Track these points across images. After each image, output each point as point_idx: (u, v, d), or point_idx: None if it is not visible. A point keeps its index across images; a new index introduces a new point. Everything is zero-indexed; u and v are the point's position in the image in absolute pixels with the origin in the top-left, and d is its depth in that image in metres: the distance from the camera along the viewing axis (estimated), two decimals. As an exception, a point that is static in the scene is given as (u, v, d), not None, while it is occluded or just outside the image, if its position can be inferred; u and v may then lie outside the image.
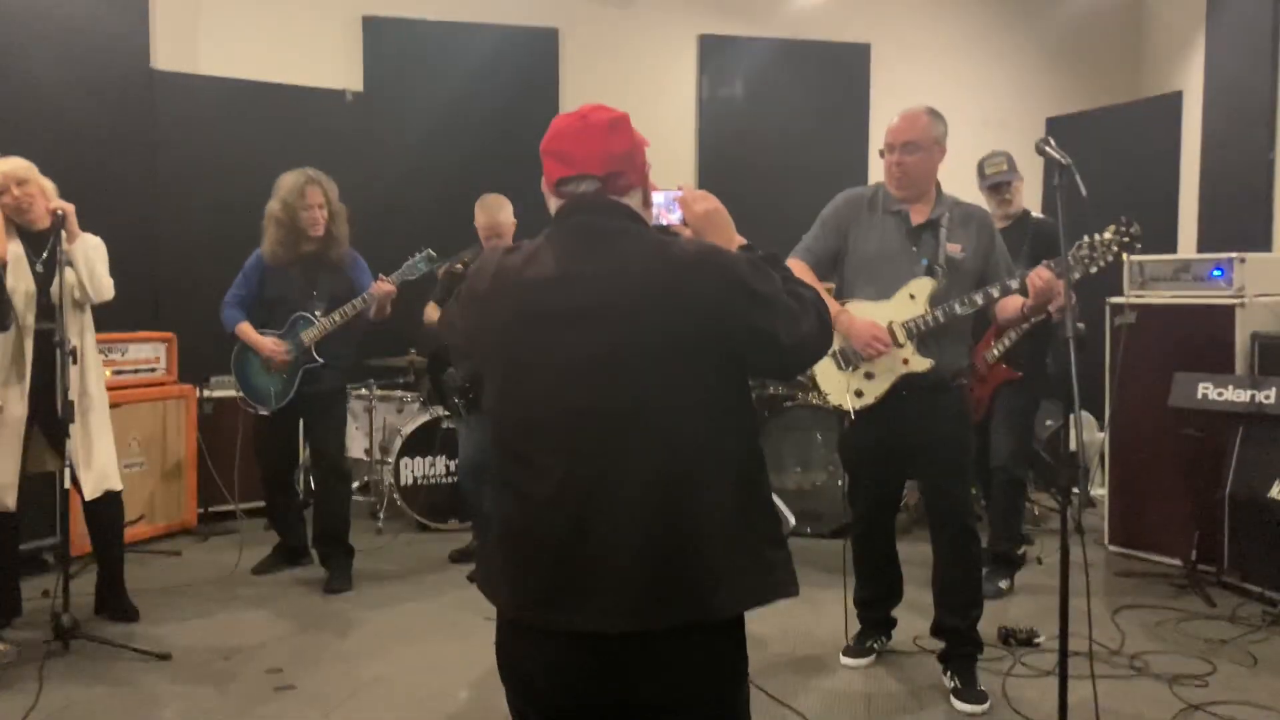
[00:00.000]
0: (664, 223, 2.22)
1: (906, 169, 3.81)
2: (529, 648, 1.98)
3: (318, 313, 5.09)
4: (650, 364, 1.90)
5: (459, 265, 5.19)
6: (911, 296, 3.78)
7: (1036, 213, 5.26)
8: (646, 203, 2.11)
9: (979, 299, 3.75)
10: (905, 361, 3.77)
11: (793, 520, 2.17)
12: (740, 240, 2.16)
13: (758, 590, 1.97)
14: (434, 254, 5.13)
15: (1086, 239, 3.69)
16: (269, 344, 5.12)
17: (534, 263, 2.00)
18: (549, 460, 1.93)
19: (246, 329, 5.17)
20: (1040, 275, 3.63)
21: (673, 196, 2.24)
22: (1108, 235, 3.66)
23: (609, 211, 2.02)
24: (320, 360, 5.11)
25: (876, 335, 3.75)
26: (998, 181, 5.15)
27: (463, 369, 4.98)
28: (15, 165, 4.32)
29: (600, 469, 1.90)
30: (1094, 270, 3.73)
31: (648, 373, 1.90)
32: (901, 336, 3.77)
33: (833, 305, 3.88)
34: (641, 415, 1.90)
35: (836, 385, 3.91)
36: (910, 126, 3.81)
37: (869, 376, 3.83)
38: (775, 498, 2.11)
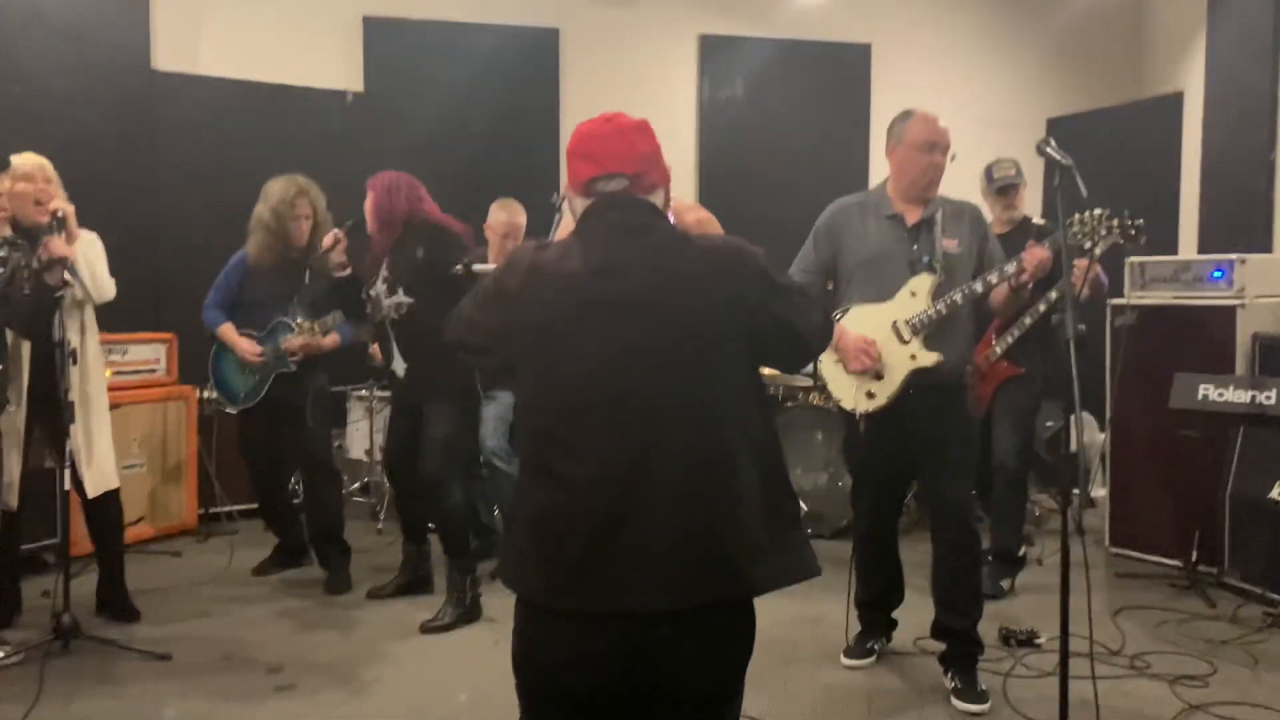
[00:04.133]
0: None
1: (942, 170, 3.88)
2: (556, 634, 2.00)
3: (299, 319, 5.09)
4: (687, 351, 1.98)
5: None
6: (913, 294, 3.80)
7: (1037, 218, 5.27)
8: (667, 203, 2.20)
9: (979, 287, 3.79)
10: (913, 357, 3.78)
11: (804, 506, 2.24)
12: None
13: (788, 569, 2.04)
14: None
15: (1077, 215, 3.73)
16: (245, 345, 5.15)
17: (570, 257, 2.05)
18: (590, 444, 1.97)
19: (229, 330, 5.20)
20: (1033, 253, 3.70)
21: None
22: (1099, 211, 3.68)
23: (638, 208, 2.11)
24: (293, 367, 5.12)
25: (863, 348, 3.77)
26: (1005, 185, 5.14)
27: (483, 366, 4.92)
28: (16, 167, 4.33)
29: (641, 452, 1.95)
30: (1088, 245, 3.77)
31: (685, 361, 1.98)
32: (907, 334, 3.78)
33: None
34: (679, 401, 1.96)
35: (847, 388, 3.92)
36: (946, 130, 3.86)
37: (878, 377, 3.84)
38: None
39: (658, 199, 2.15)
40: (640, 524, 1.93)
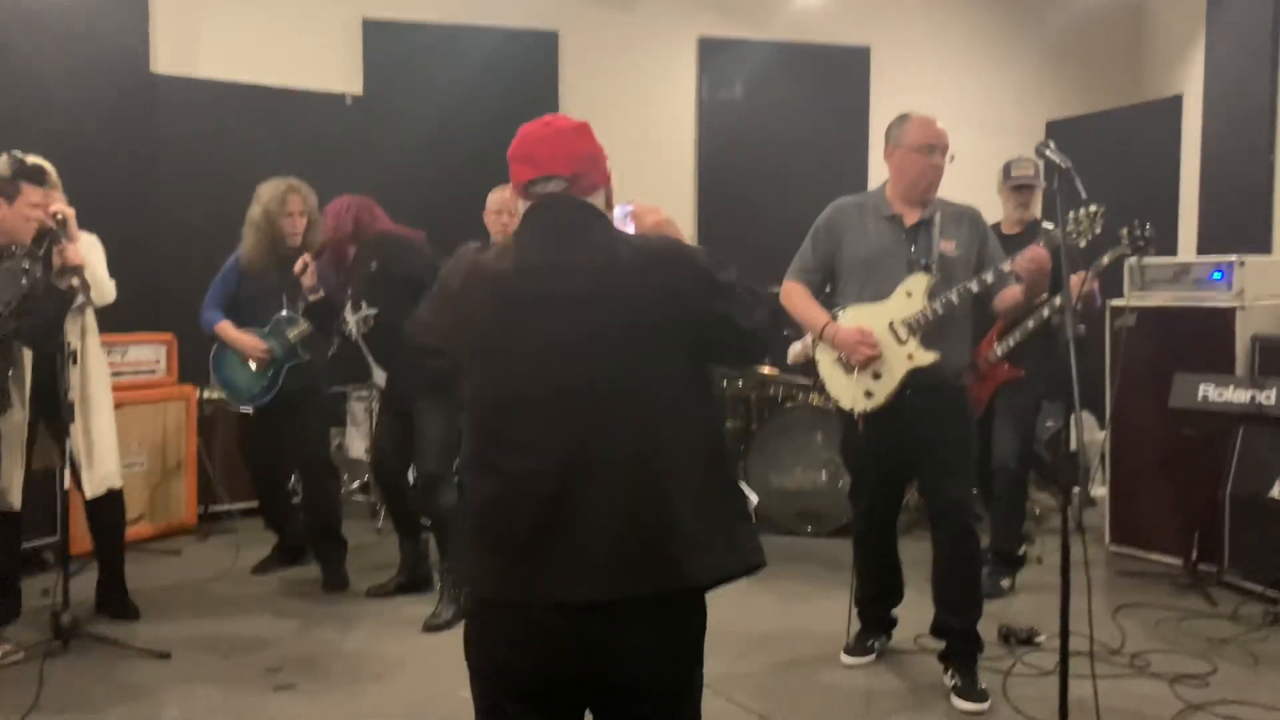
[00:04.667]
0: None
1: (941, 172, 3.88)
2: (502, 626, 2.03)
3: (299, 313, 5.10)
4: (625, 347, 2.01)
5: None
6: (908, 294, 3.80)
7: (1047, 224, 5.27)
8: (609, 204, 2.23)
9: (974, 286, 3.79)
10: (910, 357, 3.78)
11: (755, 498, 2.25)
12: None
13: (728, 562, 2.05)
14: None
15: (1072, 213, 3.74)
16: (249, 341, 5.13)
17: (507, 257, 2.12)
18: (528, 437, 2.01)
19: (227, 328, 5.17)
20: (1026, 255, 3.70)
21: (625, 211, 2.36)
22: (1094, 208, 3.69)
23: (577, 208, 2.14)
24: (306, 358, 5.12)
25: (861, 339, 3.78)
26: (1021, 184, 5.13)
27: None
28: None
29: (579, 445, 1.98)
30: (1083, 245, 3.79)
31: (622, 355, 2.00)
32: (904, 334, 3.78)
33: (819, 318, 3.91)
34: (617, 395, 1.99)
35: (845, 388, 3.93)
36: (944, 132, 3.87)
37: (876, 377, 3.84)
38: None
39: (598, 200, 2.18)
40: (579, 517, 1.96)
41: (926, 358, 3.78)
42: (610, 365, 1.99)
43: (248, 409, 5.30)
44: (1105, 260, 4.50)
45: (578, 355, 1.99)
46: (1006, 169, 5.22)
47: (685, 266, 2.07)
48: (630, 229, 2.32)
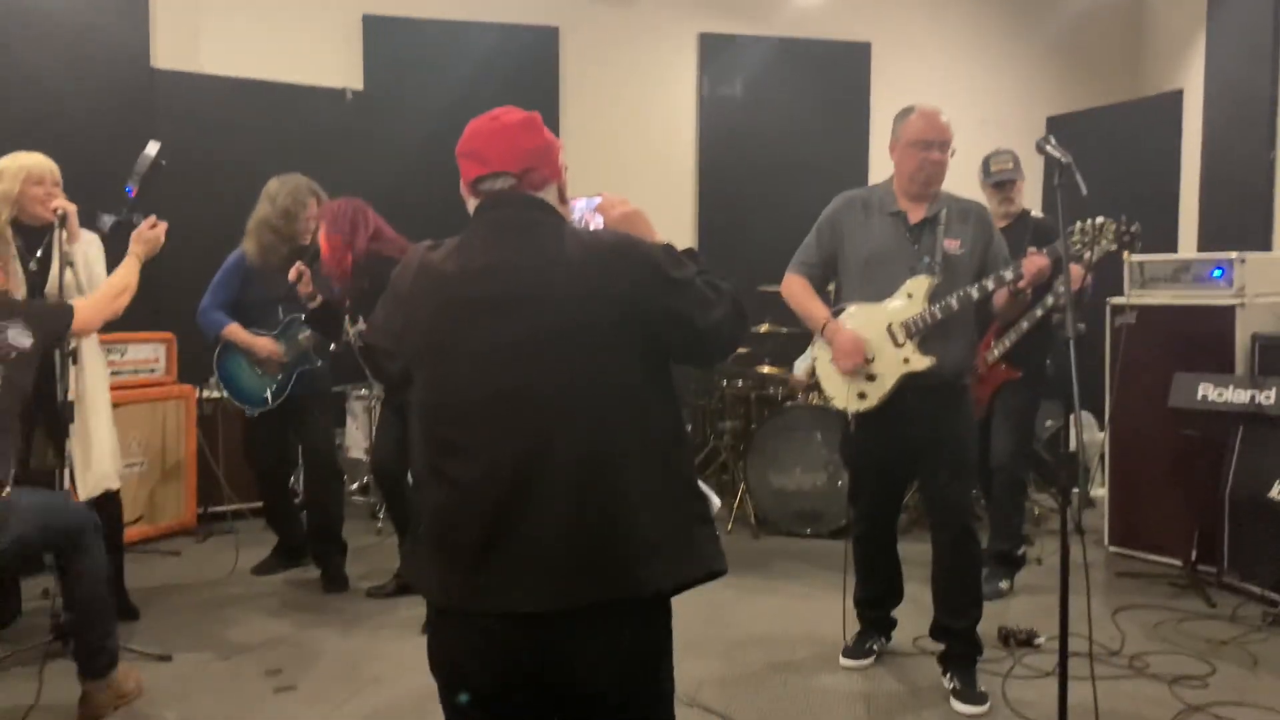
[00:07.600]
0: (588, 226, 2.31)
1: (941, 167, 3.84)
2: (458, 634, 2.01)
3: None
4: (572, 347, 1.96)
5: None
6: (909, 295, 3.78)
7: (1036, 212, 5.25)
8: (563, 199, 2.18)
9: (975, 292, 3.76)
10: (906, 361, 3.77)
11: (718, 501, 2.21)
12: (660, 240, 2.20)
13: (684, 567, 2.01)
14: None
15: (1079, 224, 3.73)
16: (266, 345, 5.10)
17: (455, 256, 2.07)
18: (476, 444, 1.97)
19: (238, 331, 5.13)
20: (1033, 260, 3.71)
21: (593, 203, 2.32)
22: (1100, 220, 3.68)
23: (526, 205, 2.09)
24: (319, 363, 5.10)
25: (852, 351, 3.78)
26: (1002, 180, 5.11)
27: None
28: (30, 169, 4.32)
29: (526, 451, 1.94)
30: (1087, 256, 3.78)
31: (570, 356, 1.96)
32: (901, 336, 3.77)
33: (819, 315, 3.90)
34: (566, 397, 1.95)
35: (839, 387, 3.92)
36: (946, 126, 3.83)
37: (871, 378, 3.83)
38: (700, 481, 2.16)
39: (550, 194, 2.13)
40: (529, 523, 1.92)
41: (922, 363, 3.76)
42: (557, 366, 1.95)
43: (256, 412, 5.22)
44: (1092, 255, 4.48)
45: (523, 357, 1.95)
46: (985, 165, 5.18)
47: (636, 263, 2.01)
48: (598, 221, 2.29)
